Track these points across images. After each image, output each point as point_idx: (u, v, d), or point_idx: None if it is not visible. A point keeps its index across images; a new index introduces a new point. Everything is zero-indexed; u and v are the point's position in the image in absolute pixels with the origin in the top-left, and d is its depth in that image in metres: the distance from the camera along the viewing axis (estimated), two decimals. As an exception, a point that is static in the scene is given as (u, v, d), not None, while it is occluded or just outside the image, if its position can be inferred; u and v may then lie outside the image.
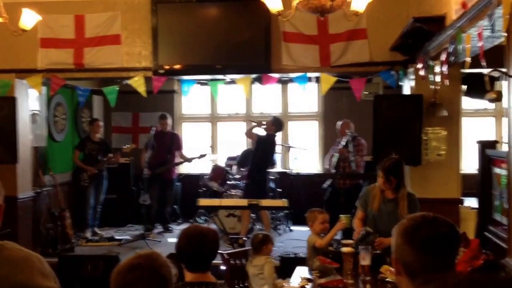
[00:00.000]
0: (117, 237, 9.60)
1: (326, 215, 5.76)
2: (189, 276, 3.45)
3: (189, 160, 10.49)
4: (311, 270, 5.15)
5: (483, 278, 1.21)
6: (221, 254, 5.76)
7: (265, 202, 8.49)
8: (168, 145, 10.31)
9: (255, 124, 9.70)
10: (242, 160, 10.57)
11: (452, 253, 2.26)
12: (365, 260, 4.69)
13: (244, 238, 7.71)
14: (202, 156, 10.32)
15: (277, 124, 9.43)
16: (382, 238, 5.17)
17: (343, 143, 9.13)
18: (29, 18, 5.99)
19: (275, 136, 9.48)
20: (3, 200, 2.32)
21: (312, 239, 5.59)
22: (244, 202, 8.59)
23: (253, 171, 9.39)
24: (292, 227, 10.20)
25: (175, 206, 11.05)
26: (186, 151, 10.80)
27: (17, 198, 8.12)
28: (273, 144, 9.55)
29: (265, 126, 9.46)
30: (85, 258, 7.29)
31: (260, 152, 9.39)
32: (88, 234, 9.74)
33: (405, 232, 2.25)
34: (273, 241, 6.07)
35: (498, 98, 4.68)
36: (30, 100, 8.73)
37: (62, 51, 8.22)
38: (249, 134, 9.83)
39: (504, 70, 4.21)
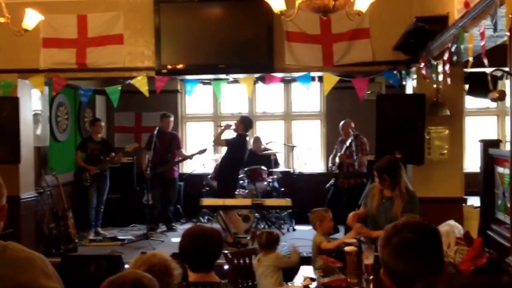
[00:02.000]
0: (120, 237, 9.59)
1: (331, 213, 5.80)
2: (192, 276, 3.46)
3: (189, 157, 10.48)
4: (316, 270, 5.16)
5: (487, 281, 1.21)
6: (224, 253, 5.77)
7: (269, 202, 8.50)
8: (168, 144, 10.31)
9: (223, 128, 9.50)
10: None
11: (425, 258, 2.27)
12: (368, 259, 4.69)
13: (247, 238, 7.71)
14: (202, 151, 10.25)
15: (245, 122, 9.34)
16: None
17: (347, 144, 9.16)
18: (31, 18, 5.99)
19: (246, 135, 9.40)
20: (6, 200, 2.32)
21: (318, 239, 5.60)
22: (247, 201, 8.59)
23: (224, 173, 9.31)
24: (296, 227, 10.18)
25: (178, 206, 11.06)
26: (189, 150, 10.80)
27: (19, 198, 8.11)
28: (244, 144, 9.41)
29: (234, 128, 9.35)
30: (88, 258, 7.28)
31: (232, 154, 9.27)
32: (91, 234, 9.75)
33: (381, 243, 2.33)
34: None
35: (500, 97, 4.68)
36: (32, 100, 8.73)
37: (65, 51, 8.22)
38: (217, 140, 9.56)
39: (506, 69, 4.21)
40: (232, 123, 9.48)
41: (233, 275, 5.77)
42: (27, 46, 8.07)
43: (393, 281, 2.29)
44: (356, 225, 5.48)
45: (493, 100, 4.87)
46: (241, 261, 5.92)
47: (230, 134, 9.45)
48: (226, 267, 5.93)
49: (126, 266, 6.25)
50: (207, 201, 8.66)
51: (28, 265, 2.19)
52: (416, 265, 2.23)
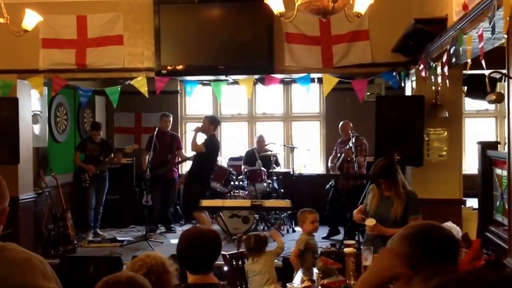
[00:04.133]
0: (119, 238, 9.58)
1: (316, 215, 5.87)
2: (191, 278, 3.46)
3: (190, 158, 10.47)
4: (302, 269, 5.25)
5: (490, 273, 1.22)
6: (223, 255, 5.77)
7: (269, 203, 8.50)
8: (169, 145, 10.31)
9: (194, 132, 9.31)
10: (247, 159, 10.63)
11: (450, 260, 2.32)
12: (367, 261, 4.69)
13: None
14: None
15: (214, 122, 9.33)
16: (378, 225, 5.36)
17: (350, 145, 9.16)
18: (31, 19, 6.00)
19: (215, 135, 9.44)
20: (8, 203, 2.32)
21: (301, 238, 5.71)
22: (247, 202, 8.59)
23: (201, 175, 9.24)
24: (295, 228, 10.16)
25: (177, 207, 11.06)
26: (189, 151, 10.80)
27: (18, 198, 8.13)
28: (218, 144, 9.48)
29: (203, 129, 9.26)
30: (87, 259, 7.28)
31: (210, 156, 9.26)
32: (90, 235, 9.74)
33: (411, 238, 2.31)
34: None
35: (498, 99, 4.69)
36: (31, 101, 8.74)
37: (64, 52, 8.23)
38: (196, 147, 9.26)
39: (504, 71, 4.22)
40: (199, 124, 9.39)
41: (232, 277, 5.77)
42: (27, 47, 8.08)
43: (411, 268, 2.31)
44: (368, 220, 5.50)
45: (491, 102, 4.88)
46: (240, 263, 5.92)
47: (201, 137, 9.40)
48: (225, 268, 5.93)
49: (125, 267, 6.25)
50: (206, 202, 8.65)
51: (26, 266, 2.19)
52: (444, 265, 2.27)
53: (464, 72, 7.14)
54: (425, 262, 2.25)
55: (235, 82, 8.71)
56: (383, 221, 5.37)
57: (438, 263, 2.25)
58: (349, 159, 9.24)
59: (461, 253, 4.94)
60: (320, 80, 8.47)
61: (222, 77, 8.62)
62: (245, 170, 10.23)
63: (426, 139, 7.33)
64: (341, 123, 9.70)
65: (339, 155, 9.53)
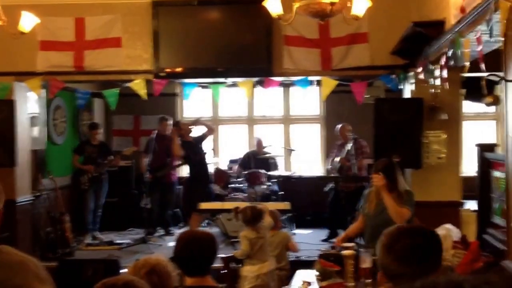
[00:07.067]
0: (117, 241, 9.56)
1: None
2: (188, 281, 3.46)
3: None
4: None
5: (478, 279, 1.23)
6: (222, 257, 5.76)
7: (268, 205, 8.48)
8: (168, 148, 10.28)
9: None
10: (243, 162, 10.63)
11: (428, 260, 2.38)
12: (366, 263, 4.68)
13: None
14: None
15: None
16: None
17: (347, 148, 9.15)
18: (28, 21, 6.00)
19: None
20: (3, 205, 2.31)
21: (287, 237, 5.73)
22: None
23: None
24: (295, 230, 10.15)
25: (177, 210, 11.04)
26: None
27: (15, 201, 8.08)
28: None
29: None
30: (85, 263, 7.26)
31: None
32: (88, 238, 9.70)
33: (383, 250, 2.41)
34: None
35: (495, 102, 4.69)
36: (29, 103, 8.69)
37: (62, 54, 8.20)
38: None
39: (502, 74, 4.22)
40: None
41: (230, 279, 5.76)
42: (24, 49, 8.05)
43: (392, 282, 2.32)
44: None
45: (488, 105, 4.89)
46: (239, 266, 5.90)
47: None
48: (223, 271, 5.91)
49: (124, 270, 6.24)
50: (205, 205, 8.65)
51: (21, 269, 2.18)
52: (421, 268, 2.29)
53: (463, 74, 7.15)
54: (399, 267, 2.32)
55: (234, 85, 8.70)
56: (381, 222, 5.33)
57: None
58: (347, 164, 9.23)
59: (459, 255, 4.95)
60: (319, 83, 8.47)
61: (221, 80, 8.60)
62: (244, 172, 10.22)
63: (425, 141, 7.32)
64: (339, 126, 9.68)
65: (337, 158, 9.52)
